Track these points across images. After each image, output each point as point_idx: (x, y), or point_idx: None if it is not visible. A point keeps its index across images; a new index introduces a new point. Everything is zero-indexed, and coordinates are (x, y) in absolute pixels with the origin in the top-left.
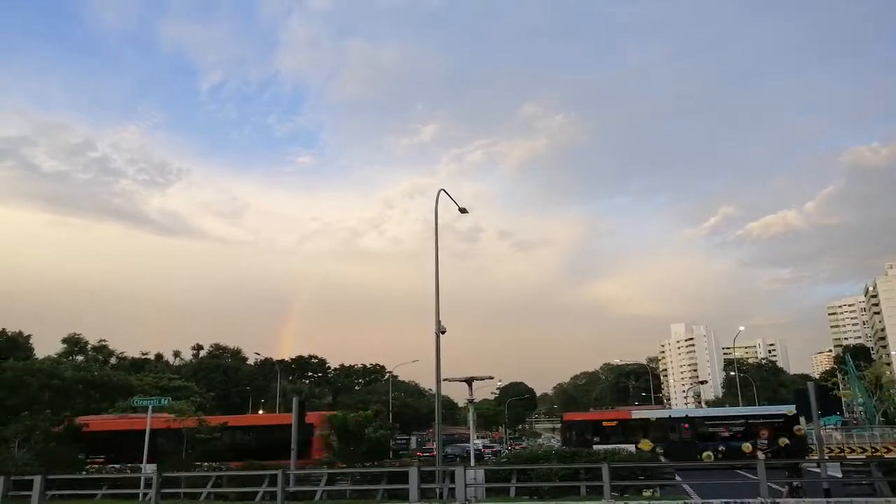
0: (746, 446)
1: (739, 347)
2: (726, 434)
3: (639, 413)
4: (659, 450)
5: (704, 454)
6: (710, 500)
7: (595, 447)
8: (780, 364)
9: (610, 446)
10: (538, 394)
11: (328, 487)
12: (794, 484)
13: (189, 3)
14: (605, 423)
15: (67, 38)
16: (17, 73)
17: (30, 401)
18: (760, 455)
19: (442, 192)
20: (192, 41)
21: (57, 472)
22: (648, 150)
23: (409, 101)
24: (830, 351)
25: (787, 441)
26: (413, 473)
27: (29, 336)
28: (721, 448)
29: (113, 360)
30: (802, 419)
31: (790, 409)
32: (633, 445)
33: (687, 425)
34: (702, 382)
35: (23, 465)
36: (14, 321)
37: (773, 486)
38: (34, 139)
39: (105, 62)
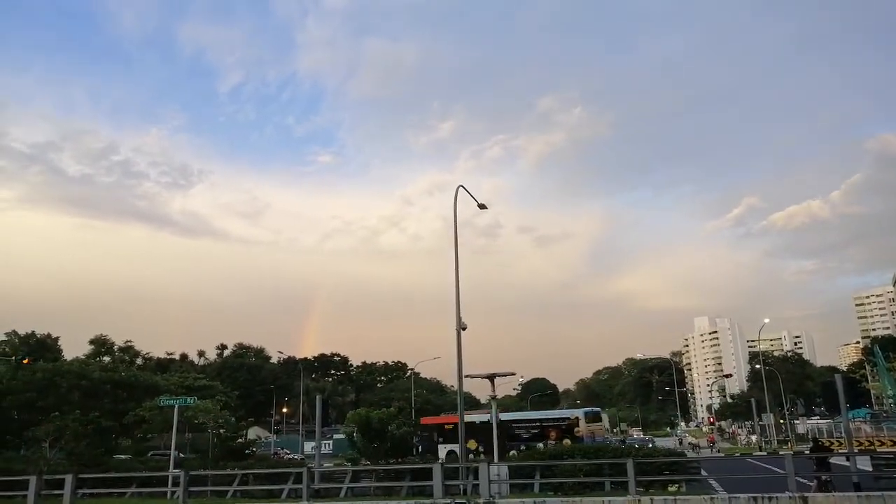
0: (539, 446)
1: (764, 340)
2: (527, 435)
3: (469, 417)
4: (481, 448)
5: (510, 453)
6: (737, 495)
7: (440, 446)
8: (806, 356)
9: (450, 446)
10: (560, 389)
11: (353, 484)
12: (823, 478)
13: (206, 6)
14: (445, 426)
15: (88, 43)
16: (42, 80)
17: (60, 401)
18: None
19: (461, 188)
20: (211, 43)
21: (87, 471)
22: (669, 142)
23: (427, 99)
24: (858, 342)
25: (569, 441)
26: (437, 470)
27: (57, 338)
28: (522, 447)
29: (139, 361)
30: (582, 422)
31: (573, 414)
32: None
33: (504, 427)
34: (727, 376)
35: (54, 464)
36: (43, 323)
37: (802, 480)
38: (60, 144)
39: (126, 67)
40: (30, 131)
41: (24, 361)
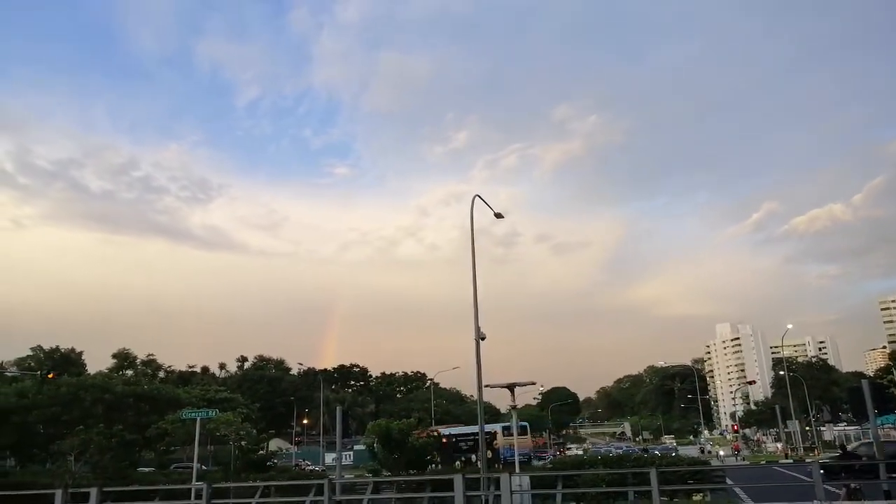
0: (472, 457)
1: (788, 346)
2: (465, 447)
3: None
4: (437, 459)
5: (456, 463)
6: None
7: None
8: (831, 362)
9: None
10: (581, 398)
11: (374, 496)
12: (853, 486)
13: (223, 23)
14: None
15: (109, 61)
16: (64, 98)
17: (84, 415)
18: (479, 464)
19: (477, 197)
20: (228, 59)
21: (112, 484)
22: (685, 149)
23: (442, 109)
24: (884, 347)
25: (490, 453)
26: (458, 481)
27: (81, 352)
28: (463, 458)
29: (161, 374)
30: (499, 435)
31: (493, 428)
32: None
33: (450, 440)
34: (750, 383)
35: (79, 478)
36: (67, 338)
37: (830, 488)
38: (82, 161)
39: (145, 83)
40: (52, 148)
41: (49, 376)
